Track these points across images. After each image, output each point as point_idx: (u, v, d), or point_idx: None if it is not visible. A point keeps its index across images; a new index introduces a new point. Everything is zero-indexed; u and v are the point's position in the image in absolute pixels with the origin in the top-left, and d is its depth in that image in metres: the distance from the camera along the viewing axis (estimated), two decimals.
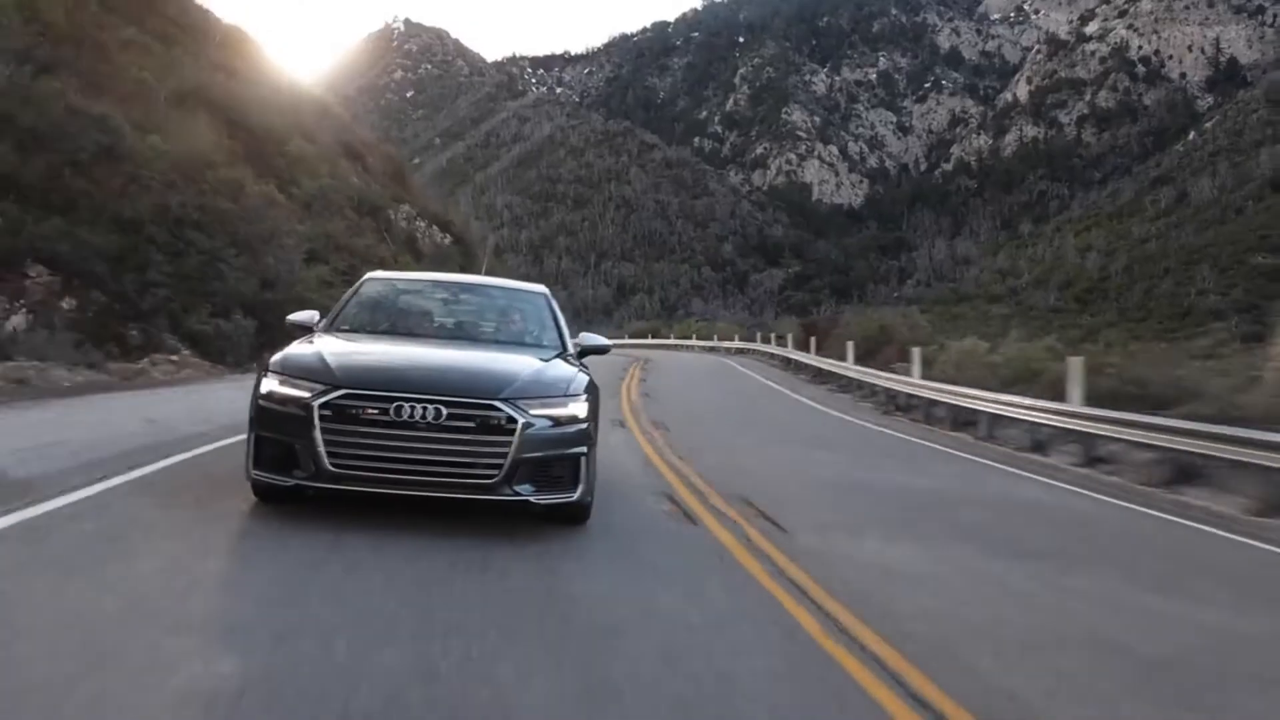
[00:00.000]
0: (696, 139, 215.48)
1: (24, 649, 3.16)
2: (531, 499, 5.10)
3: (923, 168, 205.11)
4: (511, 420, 5.00)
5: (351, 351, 5.63)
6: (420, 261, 30.08)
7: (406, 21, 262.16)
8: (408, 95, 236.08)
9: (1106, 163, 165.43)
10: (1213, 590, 6.06)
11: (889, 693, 3.44)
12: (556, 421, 5.20)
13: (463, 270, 44.57)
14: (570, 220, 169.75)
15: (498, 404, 5.03)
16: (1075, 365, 13.80)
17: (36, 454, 6.70)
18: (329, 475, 4.89)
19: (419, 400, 4.88)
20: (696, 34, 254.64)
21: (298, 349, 5.61)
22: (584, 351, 6.56)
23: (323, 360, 5.26)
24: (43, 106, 17.04)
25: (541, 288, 7.53)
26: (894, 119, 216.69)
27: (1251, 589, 6.39)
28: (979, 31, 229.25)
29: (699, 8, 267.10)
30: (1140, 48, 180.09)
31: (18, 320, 14.35)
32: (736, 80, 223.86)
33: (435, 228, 35.41)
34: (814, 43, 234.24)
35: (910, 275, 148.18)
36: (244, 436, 5.37)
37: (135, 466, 6.50)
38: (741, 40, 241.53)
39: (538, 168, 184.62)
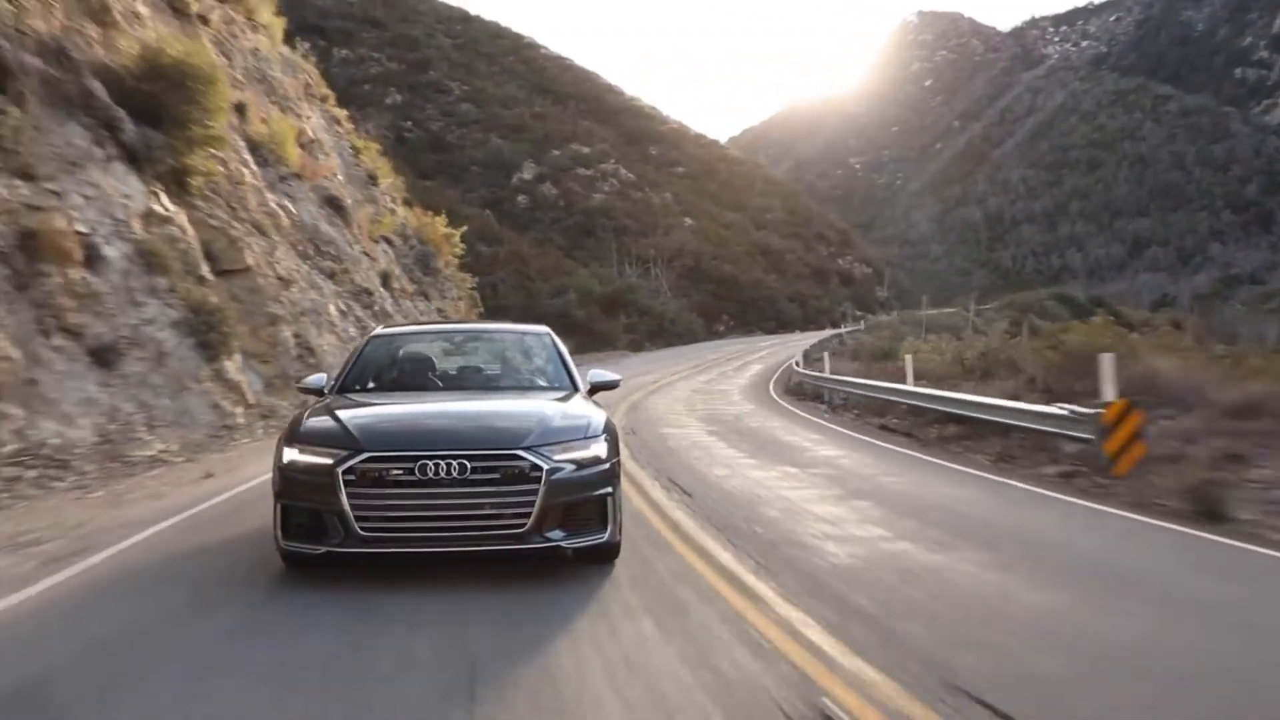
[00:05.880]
0: (1238, 70, 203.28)
1: None
2: (563, 544, 5.20)
3: None
4: (536, 468, 5.09)
5: (369, 414, 5.82)
6: (848, 286, 55.70)
7: (919, 13, 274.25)
8: (925, 84, 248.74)
9: None
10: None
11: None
12: (580, 464, 5.28)
13: (880, 285, 66.35)
14: (1083, 184, 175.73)
15: (520, 453, 5.12)
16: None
17: None
18: (359, 540, 4.98)
19: (442, 457, 4.99)
20: None
21: (315, 416, 5.73)
22: (595, 388, 6.67)
23: (342, 425, 5.39)
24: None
25: (544, 328, 7.54)
26: None
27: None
28: None
29: None
30: None
31: None
32: None
33: (864, 264, 61.08)
34: None
35: None
36: None
37: None
38: None
39: (1049, 138, 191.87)
